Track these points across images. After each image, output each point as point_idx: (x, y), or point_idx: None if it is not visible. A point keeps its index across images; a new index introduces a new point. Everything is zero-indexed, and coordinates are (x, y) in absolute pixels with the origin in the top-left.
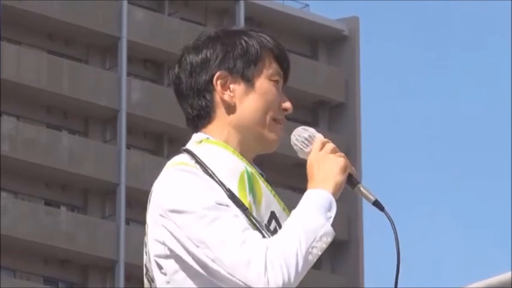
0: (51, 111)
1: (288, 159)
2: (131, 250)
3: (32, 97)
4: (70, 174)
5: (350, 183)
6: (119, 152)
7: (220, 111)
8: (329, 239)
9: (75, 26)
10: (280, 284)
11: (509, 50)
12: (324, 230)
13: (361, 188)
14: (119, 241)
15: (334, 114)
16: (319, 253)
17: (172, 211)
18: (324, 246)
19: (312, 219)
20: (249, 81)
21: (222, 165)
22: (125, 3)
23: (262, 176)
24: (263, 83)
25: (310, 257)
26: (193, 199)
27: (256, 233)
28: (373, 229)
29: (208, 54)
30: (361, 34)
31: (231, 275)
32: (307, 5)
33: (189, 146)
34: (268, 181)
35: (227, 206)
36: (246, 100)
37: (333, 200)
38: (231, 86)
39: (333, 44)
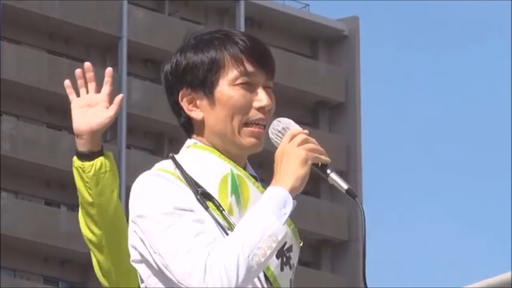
0: (52, 111)
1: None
2: None
3: (32, 97)
4: (70, 174)
5: (322, 173)
6: (119, 152)
7: (196, 125)
8: (279, 237)
9: (75, 26)
10: None
11: (509, 50)
12: (273, 228)
13: (333, 177)
14: None
15: (334, 114)
16: (268, 252)
17: (138, 216)
18: (274, 245)
19: (261, 219)
20: (209, 94)
21: (203, 168)
22: (125, 3)
23: (256, 178)
24: (224, 91)
25: (255, 258)
26: (152, 204)
27: (206, 239)
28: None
29: (170, 70)
30: (361, 34)
31: (180, 283)
32: (307, 5)
33: (181, 151)
34: (264, 182)
35: (191, 210)
36: (212, 112)
37: (289, 196)
38: (198, 101)
39: (333, 44)
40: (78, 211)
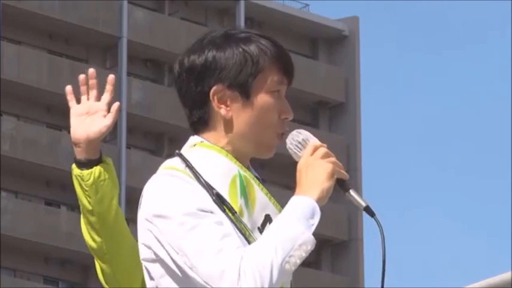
0: (52, 111)
1: (287, 159)
2: None
3: (32, 97)
4: (70, 174)
5: (342, 189)
6: (119, 152)
7: (217, 122)
8: (309, 247)
9: (75, 26)
10: None
11: (509, 50)
12: (303, 238)
13: (352, 194)
14: None
15: (334, 114)
16: (298, 261)
17: (156, 216)
18: (304, 254)
19: (291, 228)
20: (247, 97)
21: (213, 169)
22: (125, 3)
23: (258, 179)
24: (261, 97)
25: (287, 266)
26: (174, 205)
27: (235, 241)
28: (373, 229)
29: (208, 62)
30: (361, 34)
31: (207, 284)
32: (307, 5)
33: (184, 149)
34: (265, 183)
35: (211, 212)
36: (243, 115)
37: (317, 207)
38: (228, 100)
39: (333, 44)
40: (78, 211)
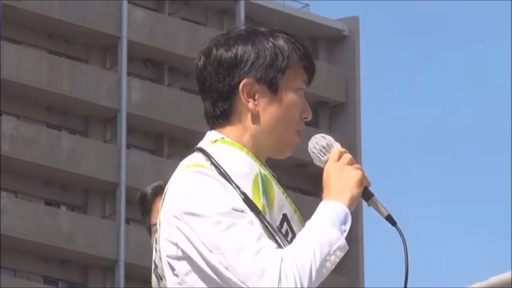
0: (51, 111)
1: (291, 160)
2: (131, 250)
3: (32, 97)
4: (70, 173)
5: (365, 196)
6: (119, 151)
7: (241, 117)
8: (342, 253)
9: (75, 26)
10: None
11: (509, 50)
12: (339, 243)
13: (376, 201)
14: (119, 241)
15: (334, 114)
16: (333, 266)
17: (187, 213)
18: (337, 260)
19: (327, 232)
20: (275, 92)
21: (237, 167)
22: (125, 3)
23: (274, 177)
24: (289, 94)
25: (324, 270)
26: (209, 203)
27: (271, 242)
28: (373, 229)
29: (238, 56)
30: (361, 34)
31: (243, 283)
32: (307, 5)
33: (203, 144)
34: (280, 182)
35: (242, 211)
36: (269, 110)
37: (349, 213)
38: (256, 94)
39: (333, 43)
40: (78, 211)
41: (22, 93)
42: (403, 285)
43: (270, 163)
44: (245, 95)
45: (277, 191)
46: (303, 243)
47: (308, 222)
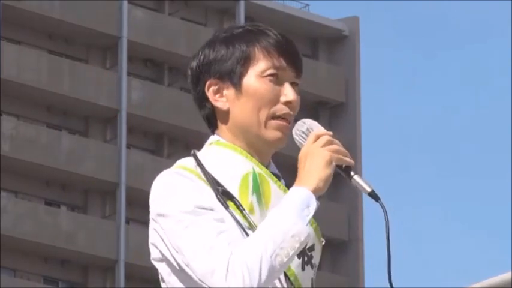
0: (51, 111)
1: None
2: (131, 250)
3: (32, 97)
4: (70, 174)
5: (346, 175)
6: (119, 151)
7: (220, 117)
8: (302, 238)
9: (75, 26)
10: None
11: (509, 50)
12: (296, 229)
13: (356, 179)
14: (119, 241)
15: (334, 114)
16: (292, 253)
17: (159, 215)
18: (297, 245)
19: (283, 220)
20: (237, 84)
21: (224, 166)
22: (125, 3)
23: (278, 177)
24: (251, 82)
25: (278, 258)
26: (173, 203)
27: (228, 238)
28: (373, 229)
29: (200, 63)
30: (361, 34)
31: (202, 282)
32: (307, 5)
33: (204, 147)
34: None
35: (211, 209)
36: (238, 103)
37: (312, 197)
38: (224, 91)
39: (333, 43)
40: (77, 211)
41: (22, 93)
42: (386, 263)
43: (275, 162)
44: (212, 95)
45: (275, 189)
46: (256, 235)
47: (268, 213)
